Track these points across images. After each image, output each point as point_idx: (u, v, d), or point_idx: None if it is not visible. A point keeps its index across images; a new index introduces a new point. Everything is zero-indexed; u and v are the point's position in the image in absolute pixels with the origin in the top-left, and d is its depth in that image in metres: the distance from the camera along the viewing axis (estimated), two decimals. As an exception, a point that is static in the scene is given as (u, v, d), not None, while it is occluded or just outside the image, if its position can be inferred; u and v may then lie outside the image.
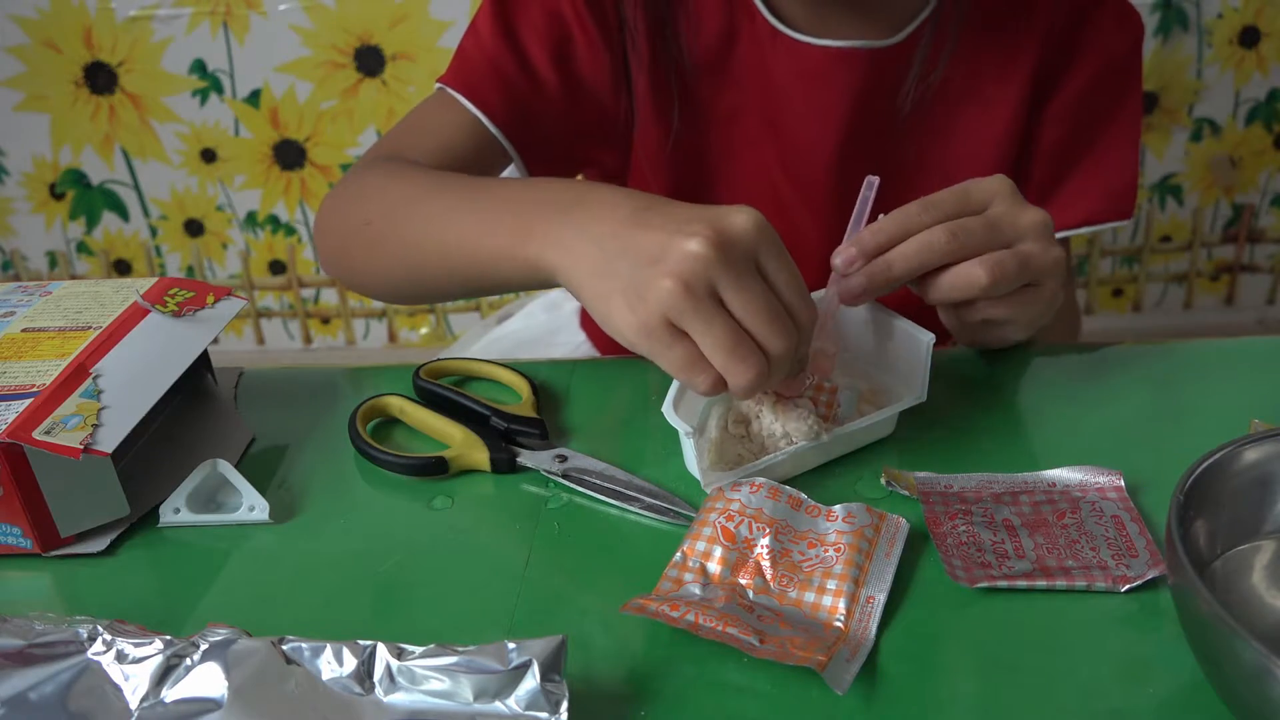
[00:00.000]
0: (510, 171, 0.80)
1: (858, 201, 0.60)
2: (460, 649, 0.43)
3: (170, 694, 0.43)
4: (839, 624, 0.49)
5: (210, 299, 0.66)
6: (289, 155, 1.71)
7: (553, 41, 0.76)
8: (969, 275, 0.57)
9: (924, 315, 0.63)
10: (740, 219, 0.51)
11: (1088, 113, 0.78)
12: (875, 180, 0.60)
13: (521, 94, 0.77)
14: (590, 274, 0.53)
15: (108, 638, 0.45)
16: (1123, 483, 0.57)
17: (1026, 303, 0.60)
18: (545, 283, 0.58)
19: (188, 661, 0.43)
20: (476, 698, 0.42)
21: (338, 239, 0.73)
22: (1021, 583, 0.50)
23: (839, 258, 0.58)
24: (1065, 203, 0.79)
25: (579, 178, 0.87)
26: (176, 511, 0.58)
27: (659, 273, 0.50)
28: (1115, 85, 0.78)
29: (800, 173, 0.79)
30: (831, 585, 0.50)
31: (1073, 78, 0.77)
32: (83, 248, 1.82)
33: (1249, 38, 1.61)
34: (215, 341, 0.64)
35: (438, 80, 0.78)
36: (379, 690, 0.43)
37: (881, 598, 0.50)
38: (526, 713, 0.42)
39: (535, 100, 0.77)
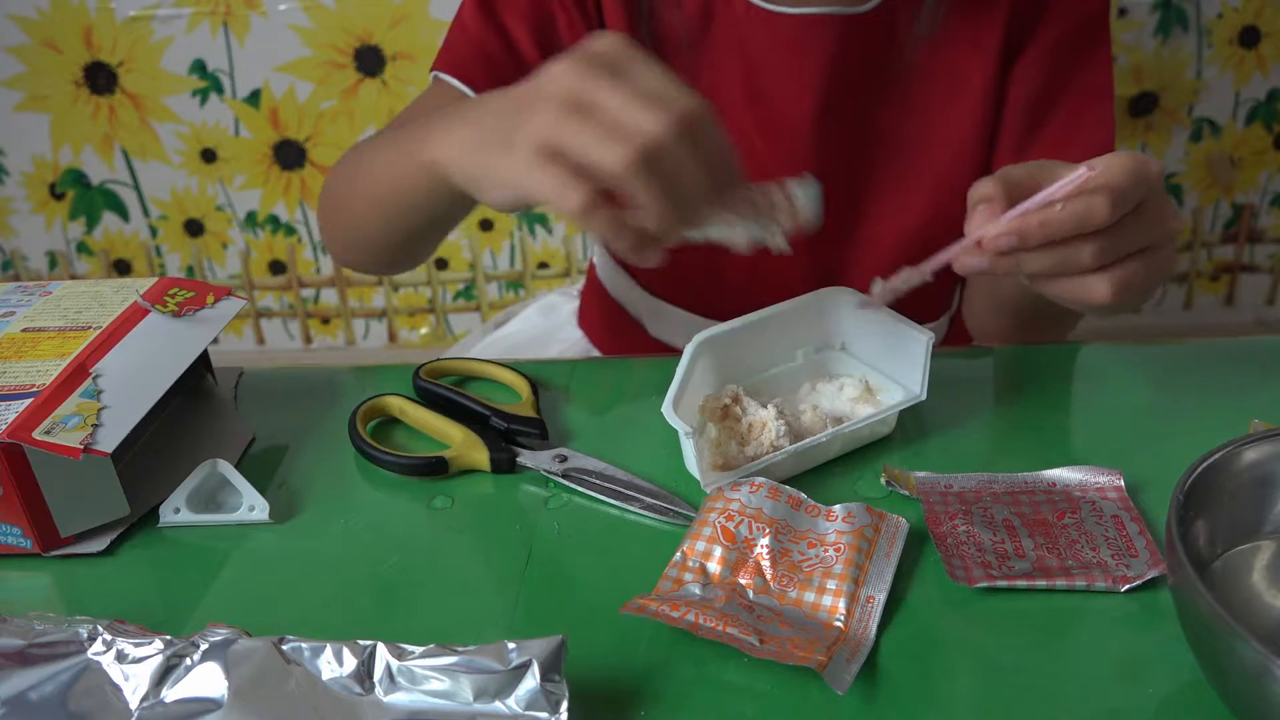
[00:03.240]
0: None
1: (1056, 184, 0.52)
2: (460, 649, 0.43)
3: (170, 694, 0.43)
4: (839, 624, 0.49)
5: (210, 299, 0.65)
6: (289, 155, 1.71)
7: (535, 23, 0.78)
8: (1094, 292, 0.54)
9: (922, 309, 0.63)
10: (600, 40, 0.50)
11: (1058, 65, 0.78)
12: (1085, 171, 0.52)
13: (508, 76, 0.77)
14: (470, 148, 0.54)
15: (108, 638, 0.45)
16: (1123, 483, 0.57)
17: (1126, 305, 0.57)
18: (445, 187, 0.57)
19: (188, 661, 0.43)
20: (476, 698, 0.42)
21: (324, 225, 0.79)
22: (1021, 583, 0.50)
23: (996, 235, 0.52)
24: (1044, 158, 0.79)
25: None
26: (176, 511, 0.58)
27: (529, 105, 0.50)
28: (1084, 42, 0.78)
29: (781, 139, 0.80)
30: (831, 585, 0.50)
31: (1042, 34, 0.77)
32: (83, 248, 1.81)
33: (1249, 38, 1.61)
34: (215, 341, 0.64)
35: (431, 69, 0.80)
36: (379, 690, 0.43)
37: (881, 598, 0.50)
38: (526, 713, 0.42)
39: (523, 78, 0.78)
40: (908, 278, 0.57)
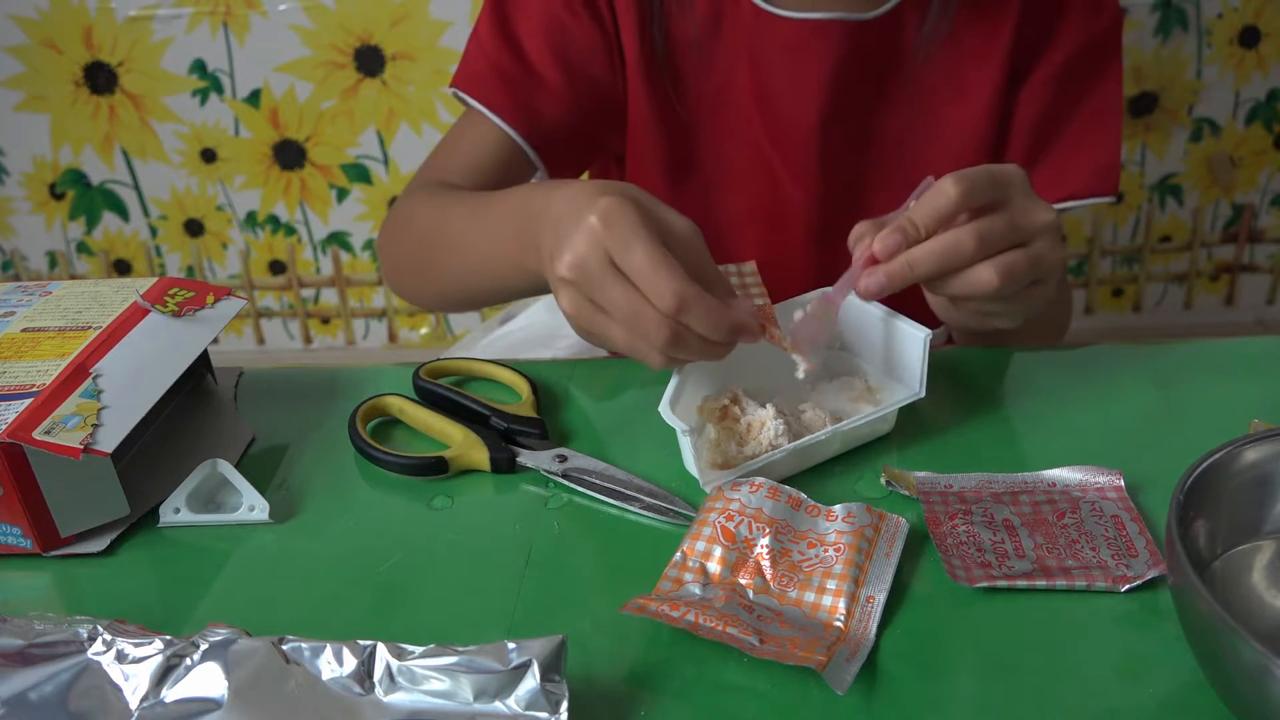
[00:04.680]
0: (538, 176, 0.83)
1: (912, 195, 0.59)
2: (460, 649, 0.43)
3: (170, 694, 0.43)
4: (839, 624, 0.49)
5: (210, 299, 0.65)
6: (289, 155, 1.71)
7: (550, 35, 0.79)
8: (980, 279, 0.57)
9: (921, 308, 0.63)
10: (576, 239, 0.53)
11: (1067, 88, 0.79)
12: (931, 179, 0.59)
13: (525, 90, 0.79)
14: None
15: (108, 638, 0.45)
16: (1123, 483, 0.56)
17: (1025, 300, 0.60)
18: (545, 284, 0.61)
19: (188, 661, 0.43)
20: (476, 698, 0.42)
21: (390, 266, 0.82)
22: (1021, 583, 0.50)
23: (880, 244, 0.57)
24: (1048, 178, 0.80)
25: (584, 176, 0.90)
26: (176, 511, 0.58)
27: (559, 290, 0.56)
28: (1093, 63, 0.79)
29: (786, 143, 0.81)
30: (831, 585, 0.50)
31: (1051, 55, 0.78)
32: (83, 248, 1.81)
33: (1249, 38, 1.61)
34: (215, 341, 0.64)
35: (450, 84, 0.81)
36: (379, 690, 0.43)
37: (881, 598, 0.50)
38: (526, 713, 0.42)
39: (539, 94, 0.79)
40: (818, 321, 0.59)
